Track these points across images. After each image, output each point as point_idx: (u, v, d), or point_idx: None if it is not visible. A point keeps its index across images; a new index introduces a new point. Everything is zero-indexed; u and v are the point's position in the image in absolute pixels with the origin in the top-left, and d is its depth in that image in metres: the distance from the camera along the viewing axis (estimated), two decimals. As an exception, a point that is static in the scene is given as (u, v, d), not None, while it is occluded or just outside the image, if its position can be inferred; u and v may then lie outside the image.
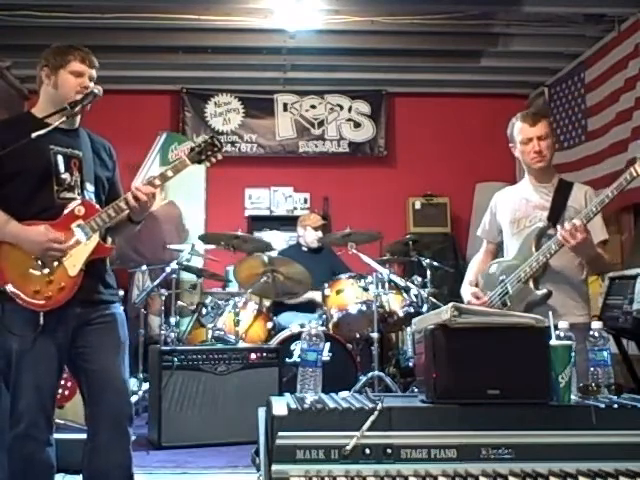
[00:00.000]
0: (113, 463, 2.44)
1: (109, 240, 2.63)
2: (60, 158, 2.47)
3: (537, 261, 2.88)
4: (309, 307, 5.35)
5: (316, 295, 5.23)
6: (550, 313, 2.05)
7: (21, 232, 2.38)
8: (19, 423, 2.33)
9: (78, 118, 2.54)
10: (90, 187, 2.54)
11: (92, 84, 2.53)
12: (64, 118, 2.45)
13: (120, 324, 2.56)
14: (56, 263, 2.40)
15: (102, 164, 2.63)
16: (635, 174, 2.60)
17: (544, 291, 2.86)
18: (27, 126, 2.41)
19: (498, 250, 3.27)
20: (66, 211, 2.45)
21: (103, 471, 2.43)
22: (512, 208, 3.11)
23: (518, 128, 3.04)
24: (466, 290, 3.15)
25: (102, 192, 2.61)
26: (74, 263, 2.42)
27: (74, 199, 2.48)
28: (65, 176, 2.47)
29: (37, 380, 2.36)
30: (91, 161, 2.57)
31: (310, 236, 5.70)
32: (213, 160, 2.62)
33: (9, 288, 2.35)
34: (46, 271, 2.39)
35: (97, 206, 2.52)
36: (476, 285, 3.17)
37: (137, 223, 2.62)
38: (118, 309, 2.59)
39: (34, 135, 2.34)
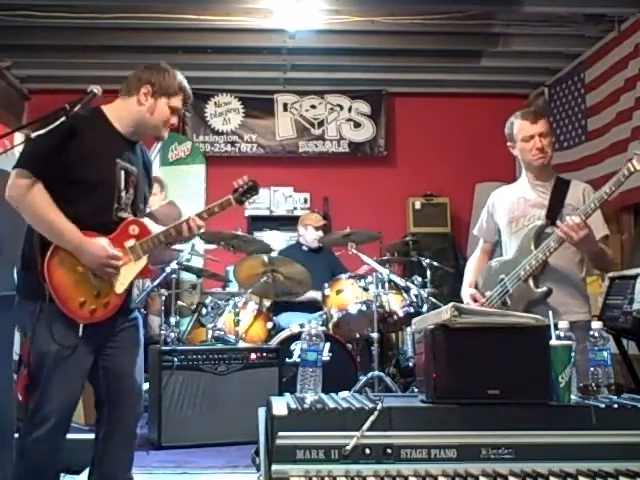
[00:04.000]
0: (121, 462, 2.49)
1: None
2: (122, 174, 2.45)
3: (536, 259, 2.88)
4: (310, 307, 5.34)
5: (317, 295, 5.23)
6: (550, 313, 2.04)
7: (83, 243, 2.34)
8: (42, 425, 2.30)
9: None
10: (141, 206, 2.57)
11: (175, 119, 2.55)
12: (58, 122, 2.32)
13: (141, 326, 2.61)
14: (107, 278, 2.41)
15: (147, 181, 2.64)
16: (633, 169, 2.60)
17: (544, 289, 2.86)
18: (100, 125, 2.42)
19: (494, 249, 3.27)
20: (121, 228, 2.45)
21: (112, 471, 2.47)
22: (510, 207, 3.11)
23: (518, 126, 3.04)
24: (465, 292, 3.15)
25: (144, 210, 2.64)
26: (122, 281, 2.43)
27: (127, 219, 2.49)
28: (124, 194, 2.46)
29: (69, 387, 2.35)
30: (143, 178, 2.58)
31: (311, 235, 5.70)
32: (251, 201, 2.69)
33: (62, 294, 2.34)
34: (96, 284, 2.38)
35: (149, 227, 2.52)
36: (476, 285, 3.17)
37: (169, 245, 2.65)
38: (137, 313, 2.63)
39: (34, 135, 2.23)
